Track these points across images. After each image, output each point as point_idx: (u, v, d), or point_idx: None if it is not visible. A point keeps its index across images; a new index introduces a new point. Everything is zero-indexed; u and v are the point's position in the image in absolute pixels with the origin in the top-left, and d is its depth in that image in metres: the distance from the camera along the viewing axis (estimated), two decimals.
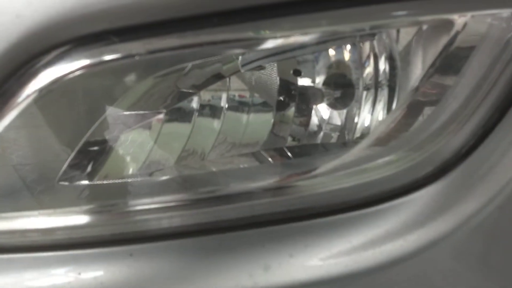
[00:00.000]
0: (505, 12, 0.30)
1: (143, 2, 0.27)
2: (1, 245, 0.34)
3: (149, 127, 0.39)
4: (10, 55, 0.27)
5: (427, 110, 0.33)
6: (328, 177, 0.35)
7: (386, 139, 0.36)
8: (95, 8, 0.27)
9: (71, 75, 0.29)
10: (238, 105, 0.39)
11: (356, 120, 0.42)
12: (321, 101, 0.41)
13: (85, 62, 0.29)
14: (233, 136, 0.40)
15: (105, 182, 0.39)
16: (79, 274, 0.34)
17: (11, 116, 0.30)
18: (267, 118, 0.40)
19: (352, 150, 0.37)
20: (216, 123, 0.40)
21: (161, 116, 0.39)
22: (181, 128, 0.39)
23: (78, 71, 0.29)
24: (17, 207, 0.34)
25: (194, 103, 0.39)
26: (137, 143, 0.39)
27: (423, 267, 0.33)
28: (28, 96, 0.29)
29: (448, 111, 0.32)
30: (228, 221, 0.35)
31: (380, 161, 0.35)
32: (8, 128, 0.31)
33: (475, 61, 0.31)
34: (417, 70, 0.34)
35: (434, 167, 0.34)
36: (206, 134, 0.40)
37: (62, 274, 0.34)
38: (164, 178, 0.39)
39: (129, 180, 0.39)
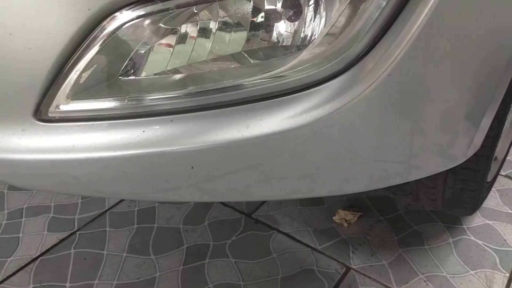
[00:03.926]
0: None
1: None
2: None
3: (171, 41, 0.61)
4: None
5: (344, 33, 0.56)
6: (288, 72, 0.59)
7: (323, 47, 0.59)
8: None
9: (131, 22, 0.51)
10: (224, 27, 0.61)
11: (303, 30, 0.64)
12: (280, 19, 0.63)
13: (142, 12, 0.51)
14: (221, 47, 0.62)
15: (143, 77, 0.63)
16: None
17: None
18: (243, 34, 0.62)
19: (304, 51, 0.60)
20: (211, 38, 0.61)
21: (176, 35, 0.60)
22: (188, 43, 0.61)
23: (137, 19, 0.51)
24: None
25: (195, 27, 0.60)
26: (163, 53, 0.61)
27: (341, 118, 0.60)
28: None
29: (352, 33, 0.56)
30: (226, 102, 0.60)
31: (316, 61, 0.59)
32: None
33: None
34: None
35: (344, 65, 0.58)
36: (204, 46, 0.62)
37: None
38: (181, 75, 0.62)
39: (160, 76, 0.62)
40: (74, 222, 1.27)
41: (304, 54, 0.59)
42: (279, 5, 0.61)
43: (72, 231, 1.24)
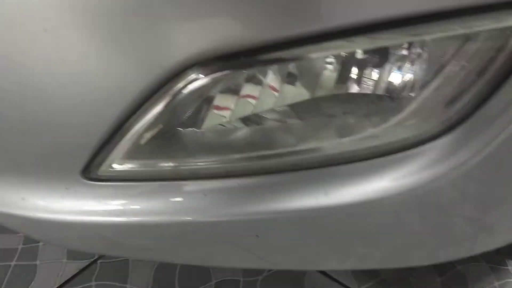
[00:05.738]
0: None
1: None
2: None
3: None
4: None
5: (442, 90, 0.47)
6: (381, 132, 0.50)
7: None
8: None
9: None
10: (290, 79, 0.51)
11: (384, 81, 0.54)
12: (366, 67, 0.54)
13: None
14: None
15: (203, 130, 0.54)
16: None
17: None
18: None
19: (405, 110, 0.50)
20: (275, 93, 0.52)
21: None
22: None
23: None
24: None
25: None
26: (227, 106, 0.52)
27: (438, 186, 0.51)
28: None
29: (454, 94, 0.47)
30: (301, 165, 0.51)
31: (414, 120, 0.50)
32: None
33: None
34: None
35: (447, 125, 0.49)
36: (271, 97, 0.52)
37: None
38: (246, 132, 0.53)
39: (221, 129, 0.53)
40: None
41: (403, 112, 0.50)
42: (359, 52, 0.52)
43: (93, 259, 1.16)
